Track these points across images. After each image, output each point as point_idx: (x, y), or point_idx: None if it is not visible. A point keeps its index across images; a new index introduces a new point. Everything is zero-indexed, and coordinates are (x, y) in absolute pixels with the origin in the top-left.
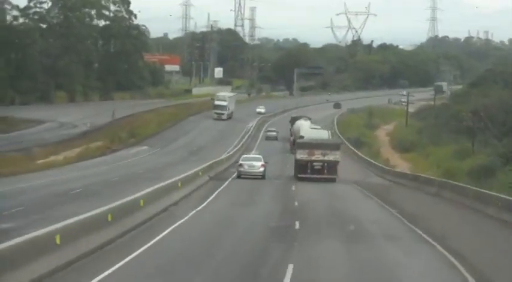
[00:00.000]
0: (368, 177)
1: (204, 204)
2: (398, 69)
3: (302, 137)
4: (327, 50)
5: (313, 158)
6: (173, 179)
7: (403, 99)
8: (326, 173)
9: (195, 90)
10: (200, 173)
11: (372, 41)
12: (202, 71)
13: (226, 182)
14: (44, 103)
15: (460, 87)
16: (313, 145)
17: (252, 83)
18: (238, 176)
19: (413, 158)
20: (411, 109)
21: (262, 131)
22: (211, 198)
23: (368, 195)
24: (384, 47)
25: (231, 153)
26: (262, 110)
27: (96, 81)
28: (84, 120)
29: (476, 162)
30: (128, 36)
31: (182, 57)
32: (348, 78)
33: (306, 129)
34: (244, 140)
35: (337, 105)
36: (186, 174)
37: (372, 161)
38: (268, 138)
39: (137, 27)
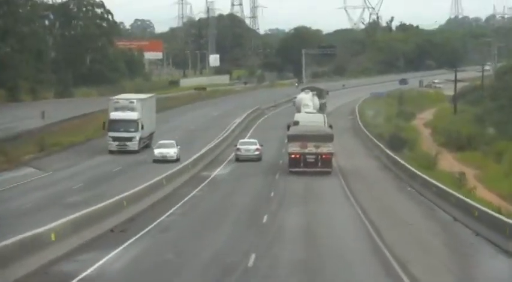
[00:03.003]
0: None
1: None
2: (424, 49)
3: (297, 122)
4: (341, 34)
5: (306, 150)
6: None
7: (436, 81)
8: (320, 166)
9: (183, 82)
10: None
11: (392, 18)
12: (200, 62)
13: None
14: None
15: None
16: (305, 137)
17: (252, 70)
18: (237, 159)
19: (475, 159)
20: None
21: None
22: None
23: None
24: (403, 28)
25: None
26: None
27: (50, 75)
28: (8, 125)
29: None
30: (90, 17)
31: (179, 47)
32: (368, 60)
33: (301, 113)
34: (213, 144)
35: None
36: None
37: (458, 195)
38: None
39: (102, 4)
